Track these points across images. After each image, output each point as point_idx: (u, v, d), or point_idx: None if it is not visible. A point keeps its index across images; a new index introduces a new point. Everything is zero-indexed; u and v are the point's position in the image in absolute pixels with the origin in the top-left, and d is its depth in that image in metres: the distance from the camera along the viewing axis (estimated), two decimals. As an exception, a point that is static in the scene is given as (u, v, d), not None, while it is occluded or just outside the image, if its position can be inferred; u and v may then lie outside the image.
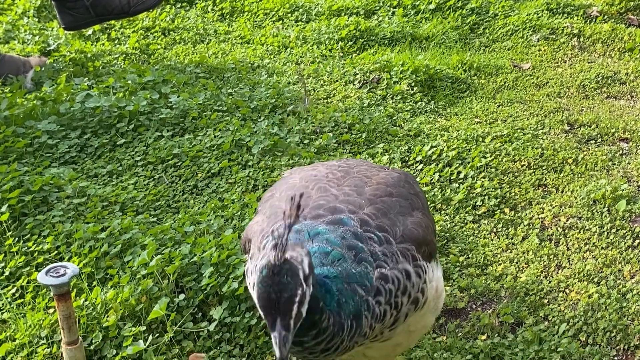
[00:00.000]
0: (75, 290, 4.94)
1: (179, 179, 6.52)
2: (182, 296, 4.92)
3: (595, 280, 5.22)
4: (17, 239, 5.47)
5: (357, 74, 8.34)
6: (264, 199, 3.82)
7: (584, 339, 4.72)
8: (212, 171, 6.60)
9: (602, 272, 5.29)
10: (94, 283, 5.09)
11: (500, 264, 5.52)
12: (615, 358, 4.59)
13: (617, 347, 4.64)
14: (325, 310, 2.81)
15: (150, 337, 4.58)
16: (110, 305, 4.83)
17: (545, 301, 5.09)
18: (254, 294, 3.14)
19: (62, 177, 6.15)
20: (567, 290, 5.15)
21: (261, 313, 2.59)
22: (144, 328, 4.67)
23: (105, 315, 4.75)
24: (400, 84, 8.12)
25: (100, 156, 6.77)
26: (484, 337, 4.82)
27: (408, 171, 6.83)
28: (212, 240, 5.31)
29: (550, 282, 5.25)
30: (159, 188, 6.37)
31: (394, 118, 7.83)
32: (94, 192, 6.04)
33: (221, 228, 5.66)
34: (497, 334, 4.82)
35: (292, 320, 2.55)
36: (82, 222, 5.64)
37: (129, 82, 7.73)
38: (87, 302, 4.83)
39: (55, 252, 5.35)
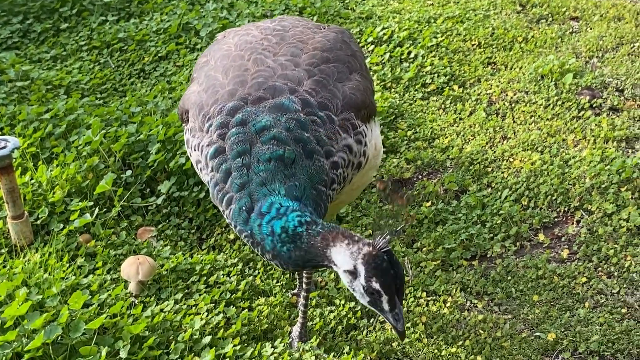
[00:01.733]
0: (20, 169, 4.89)
1: (125, 63, 6.41)
2: (129, 172, 4.91)
3: (539, 149, 5.31)
4: (-42, 121, 5.37)
5: (308, -43, 8.14)
6: (198, 65, 3.76)
7: (525, 203, 4.83)
8: (160, 55, 6.50)
9: (546, 141, 5.38)
10: (40, 163, 5.04)
11: (447, 137, 5.57)
12: (556, 219, 4.72)
13: (558, 210, 4.77)
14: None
15: (97, 210, 4.59)
16: (57, 182, 4.80)
17: (489, 169, 5.18)
18: (198, 170, 3.33)
19: (4, 62, 6.00)
20: (511, 159, 5.24)
21: (387, 294, 2.76)
22: (91, 203, 4.67)
23: (52, 192, 4.73)
24: (352, -34, 7.96)
25: (43, 41, 6.61)
26: (428, 204, 4.91)
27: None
28: (159, 119, 5.27)
29: (494, 152, 5.33)
30: (105, 72, 6.27)
31: (346, 1, 7.73)
32: (37, 76, 5.91)
33: (169, 109, 5.60)
34: (441, 201, 4.92)
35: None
36: (25, 105, 5.54)
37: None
38: (32, 180, 4.80)
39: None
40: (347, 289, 2.91)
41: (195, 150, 3.30)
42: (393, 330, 2.85)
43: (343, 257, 2.84)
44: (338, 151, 3.21)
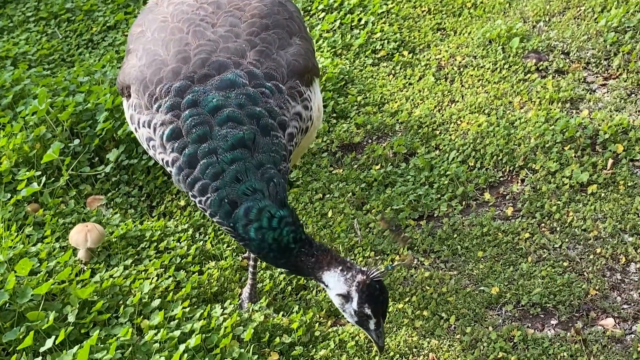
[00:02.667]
0: (-36, 141, 4.83)
1: (73, 34, 6.33)
2: (77, 141, 4.87)
3: (486, 111, 5.39)
4: None
5: None
6: (133, 35, 3.66)
7: (472, 164, 4.91)
8: (108, 24, 6.43)
9: (492, 104, 5.46)
10: (-15, 134, 4.98)
11: (396, 102, 5.62)
12: (501, 179, 4.81)
13: (503, 169, 4.86)
14: None
15: (45, 180, 4.56)
16: (4, 153, 4.76)
17: (438, 132, 5.25)
18: (148, 147, 3.34)
19: (-53, 34, 5.91)
20: (459, 122, 5.31)
21: (375, 318, 3.03)
22: (39, 173, 4.63)
23: (-1, 162, 4.69)
24: None
25: (-12, 13, 6.50)
26: (377, 167, 4.97)
27: (310, 21, 6.81)
28: (107, 88, 5.23)
29: (443, 115, 5.40)
30: (52, 43, 6.18)
31: (297, -30, 7.70)
32: (-18, 47, 5.82)
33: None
34: (390, 164, 4.97)
35: None
36: (-30, 76, 5.46)
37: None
38: (-22, 151, 4.75)
39: (-58, 107, 5.20)
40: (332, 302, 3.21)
41: (144, 126, 3.27)
42: (374, 344, 3.11)
43: (337, 282, 3.08)
44: (291, 120, 3.26)
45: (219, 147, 3.05)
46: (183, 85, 3.15)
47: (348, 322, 3.27)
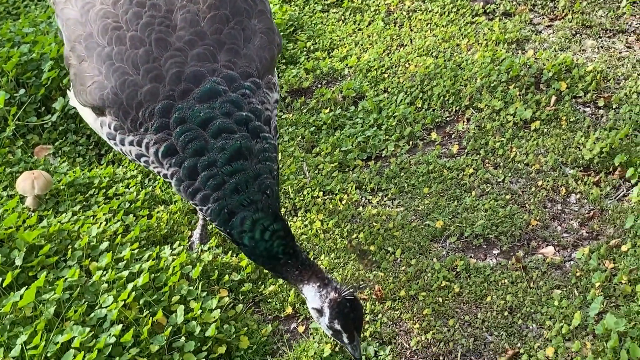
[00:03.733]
0: None
1: (17, -14, 6.22)
2: (22, 91, 4.82)
3: (434, 54, 5.44)
4: None
5: None
6: (78, 35, 3.34)
7: (419, 105, 4.97)
8: (53, -24, 6.31)
9: (440, 46, 5.50)
10: None
11: (345, 47, 5.64)
12: (448, 118, 4.88)
13: (450, 109, 4.93)
14: None
15: (-10, 129, 4.53)
16: (-54, 104, 4.69)
17: (386, 75, 5.29)
18: (140, 162, 3.30)
19: None
20: (407, 65, 5.35)
21: (347, 332, 3.07)
22: (-15, 123, 4.60)
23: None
24: None
25: None
26: (327, 110, 5.00)
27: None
28: (52, 38, 5.16)
29: (391, 59, 5.43)
30: (-4, -5, 6.08)
31: None
32: None
33: (63, 28, 5.48)
34: (339, 108, 5.01)
35: None
36: None
37: None
38: None
39: None
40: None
41: (132, 145, 3.23)
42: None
43: (313, 296, 3.16)
44: (272, 110, 3.32)
45: (218, 159, 3.09)
46: (166, 105, 3.11)
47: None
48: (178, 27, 3.27)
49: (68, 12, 3.44)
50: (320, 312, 3.13)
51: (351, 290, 3.11)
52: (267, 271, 3.68)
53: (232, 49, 3.25)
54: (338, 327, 3.08)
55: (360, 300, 3.25)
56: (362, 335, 3.24)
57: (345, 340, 3.11)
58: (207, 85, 3.13)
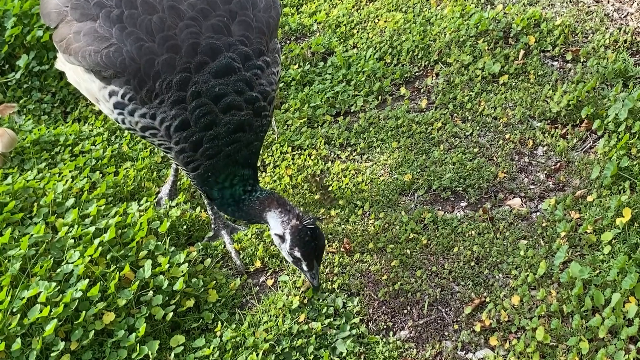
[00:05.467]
0: None
1: (-23, -59, 6.05)
2: (-16, 49, 4.73)
3: (403, 9, 5.41)
4: None
5: None
6: None
7: (388, 60, 4.95)
8: None
9: (410, 2, 5.47)
10: None
11: (314, 3, 5.58)
12: (417, 74, 4.87)
13: (419, 64, 4.91)
14: None
15: (-49, 87, 4.43)
16: None
17: (355, 31, 5.25)
18: (145, 134, 3.27)
19: None
20: (376, 20, 5.32)
21: (306, 261, 3.14)
22: (-55, 81, 4.50)
23: None
24: None
25: None
26: (296, 66, 4.96)
27: None
28: (14, -6, 5.05)
29: (360, 14, 5.39)
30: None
31: None
32: None
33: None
34: (308, 63, 4.97)
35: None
36: None
37: None
38: None
39: None
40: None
41: (145, 117, 3.18)
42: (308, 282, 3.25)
43: (275, 222, 3.21)
44: (275, 91, 3.37)
45: (222, 133, 3.17)
46: (183, 78, 3.08)
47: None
48: None
49: None
50: (282, 238, 3.18)
51: (313, 219, 3.14)
52: (242, 221, 3.72)
53: (244, 22, 3.26)
54: (298, 254, 3.14)
55: (322, 231, 3.31)
56: (320, 266, 3.28)
57: (305, 268, 3.18)
58: (223, 61, 3.15)
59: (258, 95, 3.23)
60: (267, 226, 3.36)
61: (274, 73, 3.37)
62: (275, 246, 3.47)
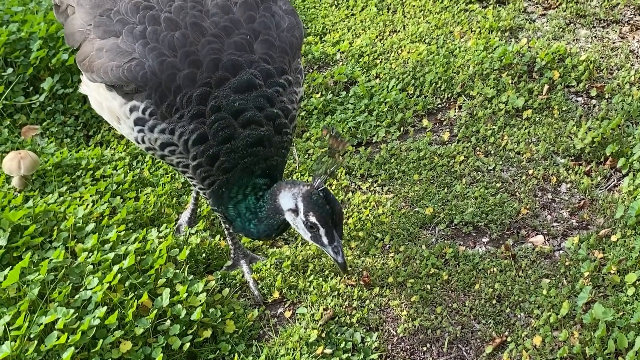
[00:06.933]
0: None
1: (6, -36, 6.13)
2: (10, 70, 4.76)
3: (427, 40, 5.41)
4: None
5: None
6: (103, 8, 3.30)
7: (411, 91, 4.94)
8: (43, -46, 6.23)
9: (433, 33, 5.47)
10: None
11: (338, 32, 5.60)
12: (439, 105, 4.85)
13: (442, 96, 4.90)
14: None
15: (-24, 108, 4.47)
16: None
17: (378, 61, 5.25)
18: (163, 151, 3.24)
19: None
20: (399, 51, 5.32)
21: (324, 227, 3.01)
22: (-29, 102, 4.54)
23: None
24: None
25: None
26: (318, 95, 4.96)
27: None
28: (41, 17, 5.10)
29: (384, 45, 5.40)
30: (-15, -27, 5.98)
31: None
32: None
33: (52, 8, 5.40)
34: (331, 92, 4.97)
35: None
36: None
37: None
38: None
39: None
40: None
41: (164, 133, 3.18)
42: (335, 263, 3.13)
43: (286, 199, 3.11)
44: (297, 109, 3.35)
45: (239, 147, 3.14)
46: (203, 92, 3.09)
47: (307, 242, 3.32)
48: (211, 13, 3.27)
49: None
50: (295, 211, 3.08)
51: (323, 180, 3.04)
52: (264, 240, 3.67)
53: (267, 40, 3.26)
54: (313, 219, 3.01)
55: (335, 197, 3.18)
56: (342, 239, 3.13)
57: (325, 240, 3.06)
58: (244, 77, 3.14)
59: (279, 112, 3.21)
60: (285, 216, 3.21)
61: (296, 92, 3.35)
62: (293, 274, 3.40)
